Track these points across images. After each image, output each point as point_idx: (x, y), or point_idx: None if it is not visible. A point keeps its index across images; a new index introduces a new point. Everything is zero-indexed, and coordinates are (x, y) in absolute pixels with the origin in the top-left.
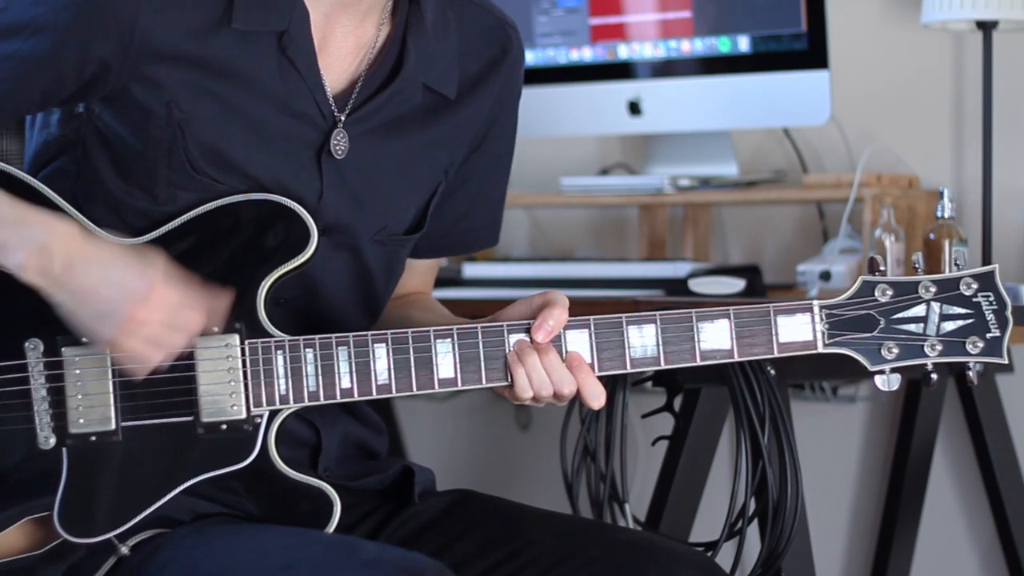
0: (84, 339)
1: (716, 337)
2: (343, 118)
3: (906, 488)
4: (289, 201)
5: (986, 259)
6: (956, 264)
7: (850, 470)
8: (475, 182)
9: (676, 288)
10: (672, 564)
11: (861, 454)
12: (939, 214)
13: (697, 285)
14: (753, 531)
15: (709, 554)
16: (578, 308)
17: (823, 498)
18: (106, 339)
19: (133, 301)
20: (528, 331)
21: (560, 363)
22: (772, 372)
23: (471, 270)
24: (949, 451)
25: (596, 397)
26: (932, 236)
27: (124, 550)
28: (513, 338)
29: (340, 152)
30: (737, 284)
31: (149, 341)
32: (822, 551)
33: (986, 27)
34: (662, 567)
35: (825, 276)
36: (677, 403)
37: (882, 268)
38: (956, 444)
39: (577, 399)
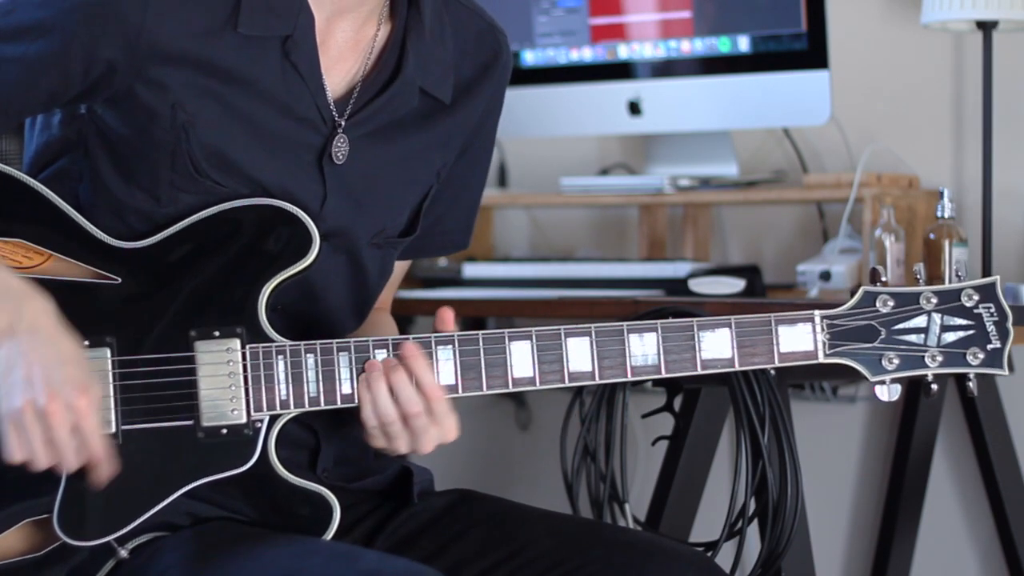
0: (86, 343)
1: (717, 346)
2: (343, 122)
3: (906, 488)
4: (291, 206)
5: (986, 259)
6: (957, 275)
7: (850, 470)
8: (455, 185)
9: (676, 288)
10: (672, 564)
11: (861, 454)
12: (939, 214)
13: (697, 285)
14: (753, 531)
15: (709, 554)
16: (578, 308)
17: (823, 498)
18: (9, 406)
19: (60, 391)
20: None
21: (408, 382)
22: (772, 372)
23: (471, 270)
24: (949, 451)
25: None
26: (932, 236)
27: (123, 553)
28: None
29: (340, 157)
30: (737, 284)
31: (45, 437)
32: (822, 551)
33: (986, 27)
34: (662, 567)
35: (825, 276)
36: (677, 403)
37: (884, 279)
38: (956, 444)
39: None
